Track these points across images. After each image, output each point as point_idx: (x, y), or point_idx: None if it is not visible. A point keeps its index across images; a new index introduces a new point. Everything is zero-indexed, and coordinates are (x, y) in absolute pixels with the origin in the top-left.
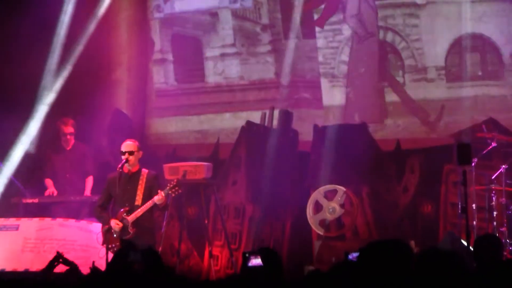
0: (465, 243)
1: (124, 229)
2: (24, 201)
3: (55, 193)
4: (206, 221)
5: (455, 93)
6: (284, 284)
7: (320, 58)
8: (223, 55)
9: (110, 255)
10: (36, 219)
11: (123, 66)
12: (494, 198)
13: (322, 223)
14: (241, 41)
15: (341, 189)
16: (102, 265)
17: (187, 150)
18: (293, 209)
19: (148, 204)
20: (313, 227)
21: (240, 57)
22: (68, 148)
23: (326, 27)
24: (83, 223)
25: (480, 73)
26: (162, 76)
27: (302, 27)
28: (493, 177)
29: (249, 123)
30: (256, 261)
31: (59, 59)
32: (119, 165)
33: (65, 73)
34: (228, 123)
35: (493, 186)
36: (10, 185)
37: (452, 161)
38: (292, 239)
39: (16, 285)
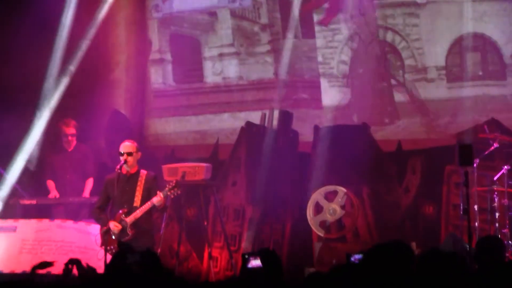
0: (467, 245)
1: (123, 230)
2: (22, 202)
3: (58, 196)
4: (205, 223)
5: (456, 93)
6: (284, 286)
7: (320, 58)
8: (221, 55)
9: (109, 257)
10: (34, 221)
11: (121, 66)
12: (496, 199)
13: (323, 225)
14: (240, 41)
15: (341, 190)
16: (100, 267)
17: (186, 151)
18: (293, 210)
19: (147, 205)
20: (313, 228)
21: (239, 57)
22: (69, 150)
23: (325, 27)
24: (82, 224)
25: (480, 73)
26: (161, 76)
27: (301, 26)
28: (495, 178)
29: (248, 124)
30: (255, 263)
31: (61, 62)
32: (118, 166)
33: (67, 76)
34: (227, 123)
35: (495, 187)
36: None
37: (454, 162)
38: (292, 240)
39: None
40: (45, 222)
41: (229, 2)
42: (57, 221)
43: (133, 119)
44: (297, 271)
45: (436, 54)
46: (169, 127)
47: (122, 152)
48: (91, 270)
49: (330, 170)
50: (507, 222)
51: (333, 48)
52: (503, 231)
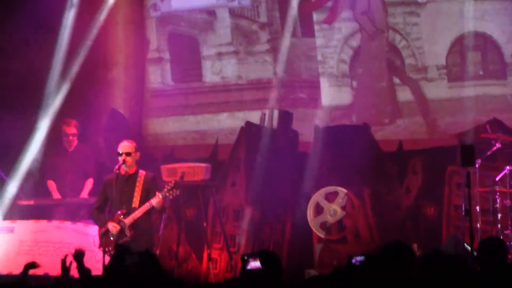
0: (468, 246)
1: (121, 231)
2: (20, 202)
3: (60, 198)
4: (204, 224)
5: (456, 92)
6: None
7: (319, 57)
8: (220, 54)
9: (107, 259)
10: (31, 221)
11: (119, 65)
12: (498, 200)
13: (323, 226)
14: (239, 40)
15: (342, 191)
16: (99, 269)
17: (185, 151)
18: (293, 211)
19: (146, 206)
20: (313, 229)
21: (237, 56)
22: (70, 150)
23: (325, 26)
24: (80, 225)
25: (481, 73)
26: (159, 76)
27: (300, 25)
28: (497, 179)
29: (248, 124)
30: (255, 264)
31: (63, 63)
32: (116, 167)
33: (70, 77)
34: (226, 123)
35: (497, 188)
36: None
37: (456, 162)
38: (292, 241)
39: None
40: (43, 223)
41: (228, 0)
42: (55, 222)
43: (132, 118)
44: (297, 273)
45: (436, 54)
46: (168, 127)
47: (120, 152)
48: (86, 271)
49: (330, 170)
50: (510, 223)
51: (333, 47)
52: (505, 232)
